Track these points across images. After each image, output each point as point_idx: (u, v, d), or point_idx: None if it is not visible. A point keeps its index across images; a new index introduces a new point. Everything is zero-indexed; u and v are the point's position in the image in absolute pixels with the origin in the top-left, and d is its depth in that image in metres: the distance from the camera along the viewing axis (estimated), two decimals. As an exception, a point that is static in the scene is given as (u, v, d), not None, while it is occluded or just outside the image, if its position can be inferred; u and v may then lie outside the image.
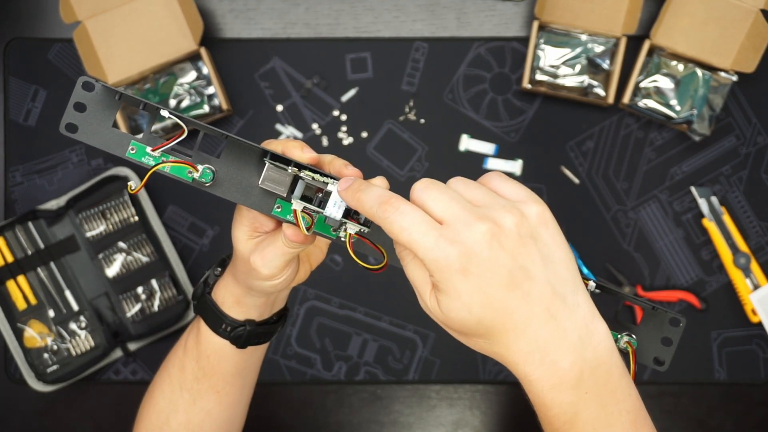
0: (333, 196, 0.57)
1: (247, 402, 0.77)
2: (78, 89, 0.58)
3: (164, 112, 0.57)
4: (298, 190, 0.59)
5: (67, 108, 0.58)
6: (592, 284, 0.57)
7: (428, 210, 0.52)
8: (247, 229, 0.63)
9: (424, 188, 0.53)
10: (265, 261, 0.62)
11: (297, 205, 0.59)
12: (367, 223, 0.59)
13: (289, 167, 0.58)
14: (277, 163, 0.59)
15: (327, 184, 0.58)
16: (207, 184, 0.59)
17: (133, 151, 0.59)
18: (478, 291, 0.51)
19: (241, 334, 0.69)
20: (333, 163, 0.60)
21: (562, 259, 0.53)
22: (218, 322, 0.69)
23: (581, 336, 0.52)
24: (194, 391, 0.72)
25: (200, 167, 0.59)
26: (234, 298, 0.69)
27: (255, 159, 0.60)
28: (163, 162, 0.58)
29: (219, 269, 0.71)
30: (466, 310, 0.51)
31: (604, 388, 0.53)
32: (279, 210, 0.60)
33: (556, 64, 1.03)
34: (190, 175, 0.59)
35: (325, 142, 1.06)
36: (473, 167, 1.05)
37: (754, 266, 1.04)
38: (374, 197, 0.53)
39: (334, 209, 0.58)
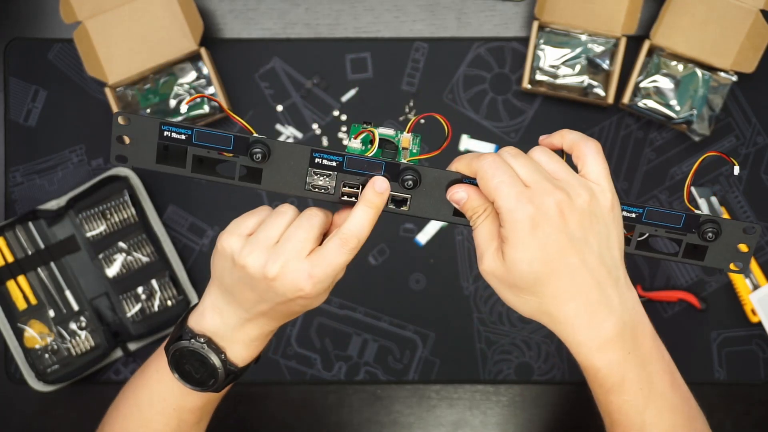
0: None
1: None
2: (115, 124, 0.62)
3: (255, 135, 0.62)
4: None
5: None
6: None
7: (515, 173, 0.59)
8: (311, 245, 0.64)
9: (513, 156, 0.60)
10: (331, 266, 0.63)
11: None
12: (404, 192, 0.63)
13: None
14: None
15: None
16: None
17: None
18: (542, 249, 0.57)
19: (227, 383, 0.70)
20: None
21: (615, 240, 0.60)
22: (210, 377, 0.69)
23: (621, 302, 0.59)
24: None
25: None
26: (249, 345, 0.69)
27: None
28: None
29: (202, 339, 0.68)
30: (527, 263, 0.58)
31: (642, 348, 0.60)
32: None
33: (556, 65, 1.03)
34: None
35: (325, 142, 1.06)
36: (473, 167, 1.05)
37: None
38: (475, 154, 0.62)
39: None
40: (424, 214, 0.63)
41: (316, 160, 0.62)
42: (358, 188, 0.63)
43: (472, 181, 0.62)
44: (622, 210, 0.63)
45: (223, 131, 0.62)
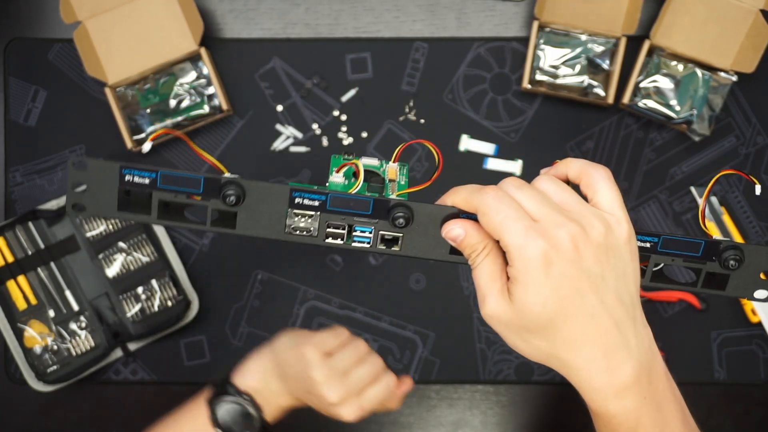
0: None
1: None
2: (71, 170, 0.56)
3: (227, 175, 0.56)
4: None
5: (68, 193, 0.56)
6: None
7: (521, 206, 0.53)
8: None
9: (517, 187, 0.54)
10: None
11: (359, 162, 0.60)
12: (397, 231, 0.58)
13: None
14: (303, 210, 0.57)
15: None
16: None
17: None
18: (557, 288, 0.52)
19: None
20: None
21: (632, 275, 0.55)
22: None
23: (638, 342, 0.54)
24: None
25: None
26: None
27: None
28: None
29: (246, 397, 0.82)
30: (541, 304, 0.52)
31: (657, 390, 0.56)
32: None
33: (556, 64, 1.03)
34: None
35: (325, 142, 1.06)
36: (473, 167, 1.05)
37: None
38: (474, 187, 0.55)
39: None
40: (418, 253, 0.57)
41: (296, 200, 0.56)
42: (344, 228, 0.57)
43: (469, 216, 0.56)
44: (636, 240, 0.57)
45: (191, 173, 0.56)
